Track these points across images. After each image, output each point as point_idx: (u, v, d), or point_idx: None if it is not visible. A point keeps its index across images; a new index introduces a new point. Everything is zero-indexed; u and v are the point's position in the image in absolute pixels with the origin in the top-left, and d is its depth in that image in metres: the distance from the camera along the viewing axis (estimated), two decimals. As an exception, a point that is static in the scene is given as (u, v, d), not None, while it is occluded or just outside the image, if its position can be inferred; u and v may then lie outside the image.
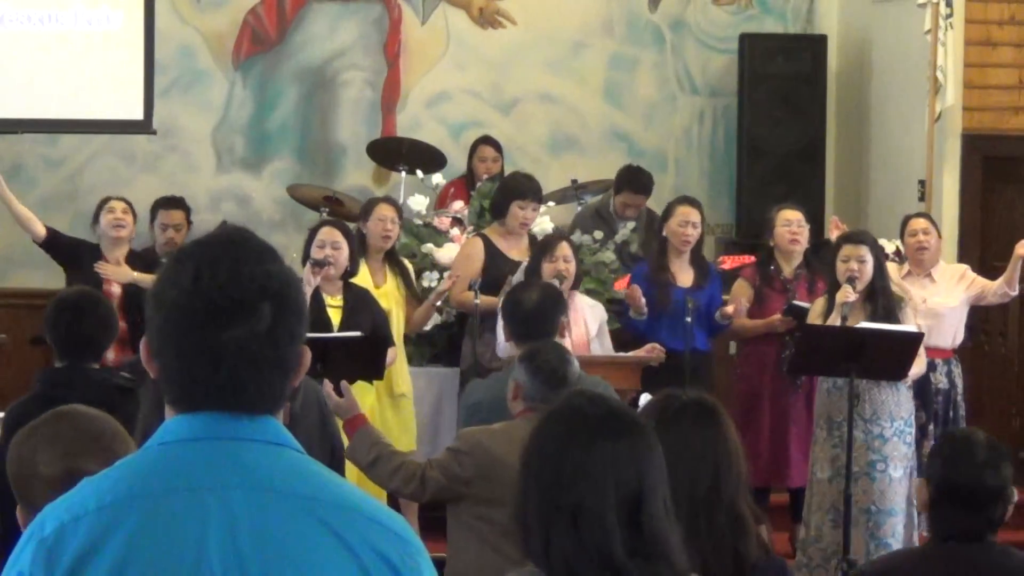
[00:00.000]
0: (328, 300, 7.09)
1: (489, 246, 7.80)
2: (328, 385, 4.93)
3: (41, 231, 8.05)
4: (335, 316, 7.08)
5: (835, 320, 7.18)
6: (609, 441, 2.52)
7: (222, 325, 1.97)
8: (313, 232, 7.33)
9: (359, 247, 7.61)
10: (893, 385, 7.21)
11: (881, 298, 7.26)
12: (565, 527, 2.47)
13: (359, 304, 7.18)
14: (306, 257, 7.23)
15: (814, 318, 7.37)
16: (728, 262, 8.55)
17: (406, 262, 7.89)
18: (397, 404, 7.57)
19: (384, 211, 7.64)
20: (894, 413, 7.20)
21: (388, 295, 7.57)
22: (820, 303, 7.42)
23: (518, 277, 7.39)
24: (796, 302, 7.78)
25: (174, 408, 2.02)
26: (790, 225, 7.96)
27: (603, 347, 7.36)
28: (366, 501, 2.01)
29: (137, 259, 8.02)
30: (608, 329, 7.54)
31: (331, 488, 1.99)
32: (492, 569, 4.05)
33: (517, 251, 7.78)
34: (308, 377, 5.47)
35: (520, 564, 2.55)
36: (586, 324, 7.30)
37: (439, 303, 7.78)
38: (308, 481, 1.98)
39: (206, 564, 1.91)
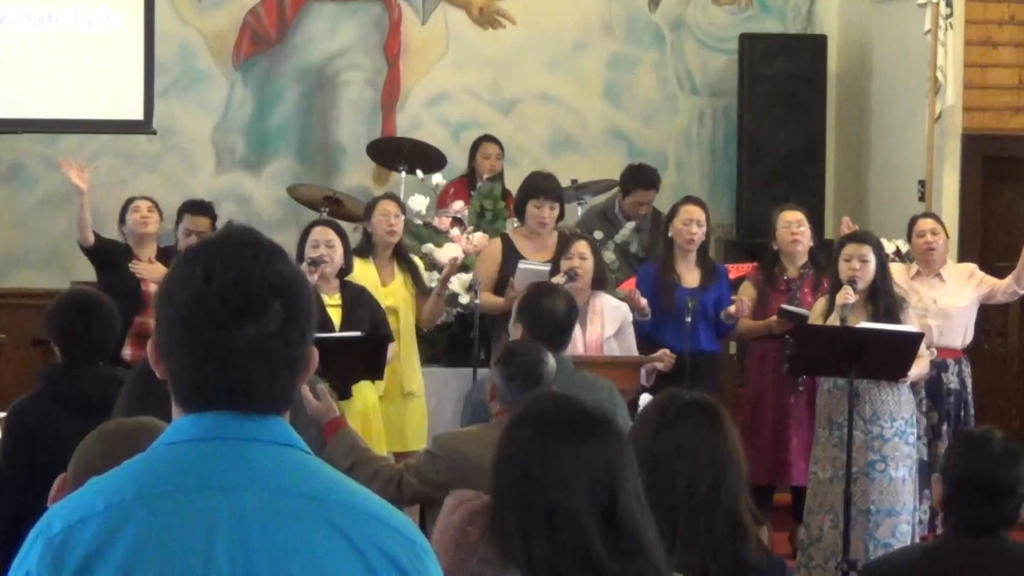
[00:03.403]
0: (326, 299, 7.09)
1: (507, 247, 7.78)
2: (305, 389, 4.88)
3: (91, 238, 8.04)
4: (335, 315, 7.08)
5: (834, 321, 7.18)
6: (575, 441, 2.52)
7: (235, 324, 1.97)
8: (306, 232, 7.33)
9: (366, 246, 7.62)
10: (894, 385, 7.20)
11: (883, 299, 7.26)
12: (542, 529, 2.47)
13: (357, 302, 7.18)
14: (299, 257, 7.22)
15: (815, 318, 7.37)
16: (733, 271, 8.53)
17: (416, 259, 7.87)
18: (406, 403, 7.55)
19: (386, 206, 7.65)
20: (894, 413, 7.19)
21: (395, 293, 7.56)
22: (821, 303, 7.42)
23: (518, 278, 7.39)
24: (786, 306, 7.80)
25: (183, 408, 2.01)
26: (790, 226, 7.96)
27: (622, 347, 7.31)
28: (373, 502, 2.01)
29: (167, 256, 8.02)
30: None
31: (339, 489, 1.99)
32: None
33: (543, 252, 7.71)
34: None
35: (501, 568, 2.54)
36: (603, 325, 7.27)
37: (446, 293, 7.74)
38: (316, 482, 1.98)
39: (214, 565, 1.91)
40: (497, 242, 7.90)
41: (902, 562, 3.98)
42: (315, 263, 7.05)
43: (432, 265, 8.39)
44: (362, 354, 6.85)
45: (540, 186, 7.81)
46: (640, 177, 9.06)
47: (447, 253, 8.36)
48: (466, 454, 4.69)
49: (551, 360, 4.86)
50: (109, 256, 8.05)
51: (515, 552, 2.48)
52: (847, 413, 7.13)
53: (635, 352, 7.35)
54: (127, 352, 7.38)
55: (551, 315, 5.60)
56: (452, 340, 8.32)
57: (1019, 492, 3.74)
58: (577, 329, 7.18)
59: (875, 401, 7.19)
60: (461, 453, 4.71)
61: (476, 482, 4.59)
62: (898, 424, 7.16)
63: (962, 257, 9.12)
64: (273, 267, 2.00)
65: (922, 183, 9.69)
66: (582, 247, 7.29)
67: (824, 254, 7.90)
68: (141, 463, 1.99)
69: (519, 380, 4.76)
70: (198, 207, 8.56)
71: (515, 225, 8.23)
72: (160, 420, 2.86)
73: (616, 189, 9.29)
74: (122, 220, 8.12)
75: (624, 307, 7.42)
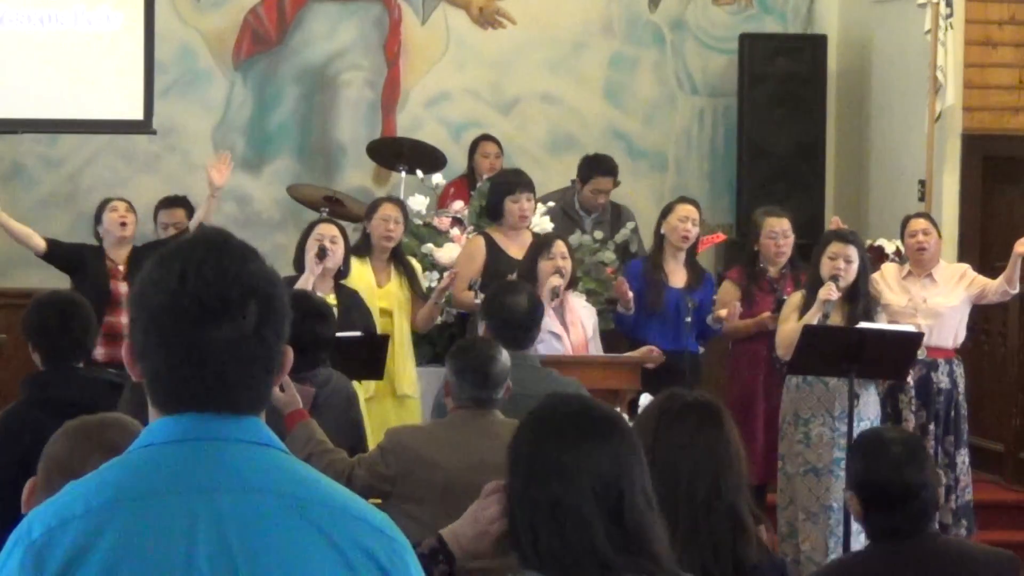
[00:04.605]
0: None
1: (491, 245, 7.77)
2: None
3: (41, 245, 8.00)
4: (330, 316, 7.07)
5: (813, 316, 7.22)
6: (580, 438, 2.56)
7: (210, 325, 1.97)
8: (309, 228, 7.35)
9: (364, 246, 7.62)
10: (864, 385, 7.27)
11: (862, 300, 7.34)
12: (548, 525, 2.50)
13: (352, 304, 7.19)
14: (299, 256, 7.23)
15: (789, 311, 7.42)
16: (701, 243, 8.54)
17: (413, 262, 7.88)
18: (401, 405, 7.55)
19: (387, 211, 7.65)
20: (862, 412, 7.26)
21: (390, 295, 7.57)
22: (798, 296, 7.47)
23: None
24: (785, 297, 7.82)
25: (159, 410, 2.01)
26: (776, 238, 8.01)
27: (595, 349, 7.37)
28: (353, 500, 2.02)
29: (140, 255, 7.97)
30: (600, 331, 7.55)
31: (318, 488, 2.00)
32: None
33: (518, 249, 7.73)
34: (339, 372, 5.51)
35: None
36: (583, 325, 7.30)
37: (442, 301, 7.76)
38: (295, 481, 1.99)
39: (195, 566, 1.91)
40: (480, 240, 7.88)
41: (832, 574, 3.96)
42: (322, 252, 7.08)
43: (433, 265, 8.39)
44: (361, 354, 6.85)
45: (513, 181, 7.85)
46: (599, 165, 9.17)
47: (447, 253, 8.36)
48: (414, 448, 4.72)
49: (503, 357, 4.84)
50: (70, 258, 8.00)
51: (525, 545, 2.51)
52: (815, 409, 7.32)
53: (601, 354, 7.40)
54: (99, 352, 7.29)
55: (513, 313, 5.63)
56: (452, 340, 8.31)
57: (930, 486, 3.67)
58: (562, 331, 7.20)
59: (844, 399, 7.24)
60: (408, 447, 4.74)
61: (424, 477, 4.65)
62: (863, 424, 7.18)
63: (962, 257, 9.13)
64: (247, 267, 2.01)
65: (922, 183, 9.69)
66: (563, 247, 7.31)
67: (806, 262, 7.89)
68: (119, 466, 1.99)
69: (468, 376, 4.77)
70: (172, 201, 8.61)
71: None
72: (128, 416, 2.87)
73: (573, 185, 9.31)
74: (98, 220, 8.09)
75: (591, 308, 7.51)
